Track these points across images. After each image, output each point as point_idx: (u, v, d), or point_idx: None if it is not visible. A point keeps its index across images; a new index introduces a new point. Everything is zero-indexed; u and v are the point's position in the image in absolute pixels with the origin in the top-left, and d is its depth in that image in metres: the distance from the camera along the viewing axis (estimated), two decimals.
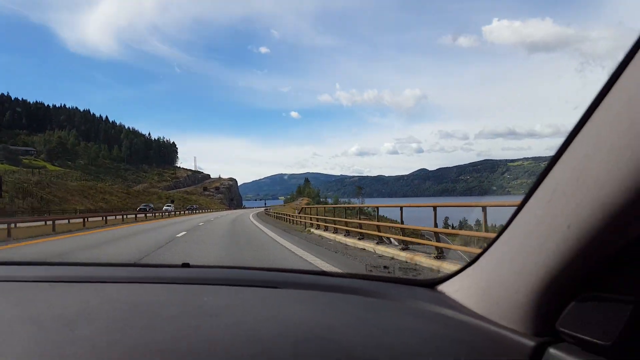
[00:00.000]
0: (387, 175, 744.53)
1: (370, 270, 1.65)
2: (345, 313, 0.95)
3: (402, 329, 0.85)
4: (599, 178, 0.53)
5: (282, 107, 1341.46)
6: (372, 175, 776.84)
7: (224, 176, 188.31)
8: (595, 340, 0.60)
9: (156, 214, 42.98)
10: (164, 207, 63.74)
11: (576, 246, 0.59)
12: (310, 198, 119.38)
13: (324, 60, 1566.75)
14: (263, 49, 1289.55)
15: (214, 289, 1.14)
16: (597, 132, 0.55)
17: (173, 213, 52.02)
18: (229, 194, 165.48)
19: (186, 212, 65.29)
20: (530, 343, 0.70)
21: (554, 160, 0.63)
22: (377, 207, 13.82)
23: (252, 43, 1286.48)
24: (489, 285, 0.84)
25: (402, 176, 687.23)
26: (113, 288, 1.15)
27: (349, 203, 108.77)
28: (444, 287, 1.05)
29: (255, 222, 26.80)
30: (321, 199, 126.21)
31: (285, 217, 30.69)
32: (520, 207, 0.74)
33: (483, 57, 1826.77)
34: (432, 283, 1.11)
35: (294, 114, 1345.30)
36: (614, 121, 0.52)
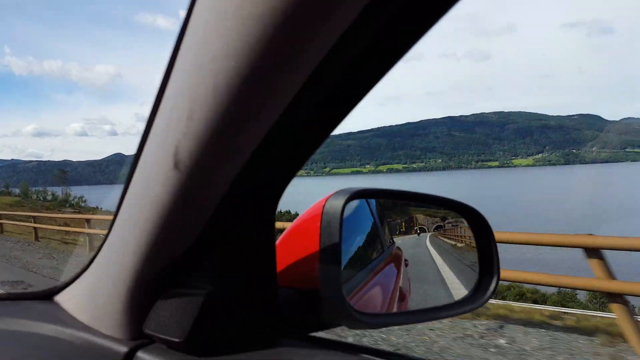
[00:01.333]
0: (75, 160, 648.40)
1: None
2: None
3: None
4: (147, 195, 0.62)
5: None
6: (56, 159, 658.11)
7: None
8: (171, 338, 0.62)
9: None
10: None
11: (146, 250, 0.65)
12: None
13: None
14: None
15: None
16: (145, 159, 0.63)
17: None
18: None
19: None
20: (123, 349, 0.70)
21: (130, 173, 0.68)
22: None
23: None
24: (95, 294, 0.81)
25: (95, 161, 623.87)
26: None
27: (44, 192, 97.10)
28: (60, 298, 0.95)
29: None
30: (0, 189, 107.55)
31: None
32: (117, 211, 0.74)
33: None
34: (50, 294, 0.99)
35: None
36: (148, 152, 0.62)
